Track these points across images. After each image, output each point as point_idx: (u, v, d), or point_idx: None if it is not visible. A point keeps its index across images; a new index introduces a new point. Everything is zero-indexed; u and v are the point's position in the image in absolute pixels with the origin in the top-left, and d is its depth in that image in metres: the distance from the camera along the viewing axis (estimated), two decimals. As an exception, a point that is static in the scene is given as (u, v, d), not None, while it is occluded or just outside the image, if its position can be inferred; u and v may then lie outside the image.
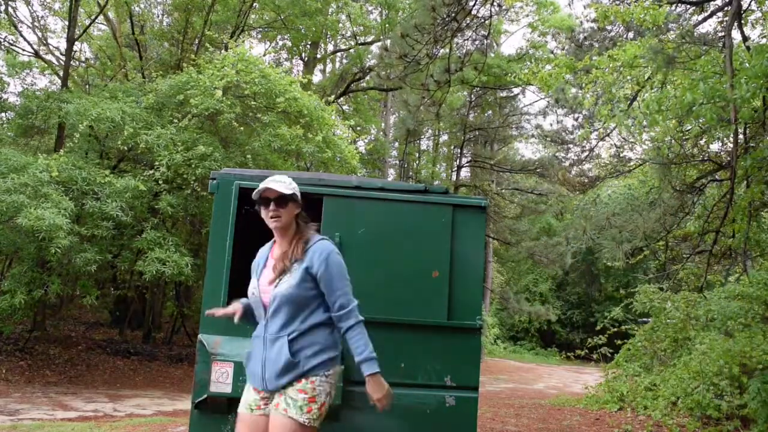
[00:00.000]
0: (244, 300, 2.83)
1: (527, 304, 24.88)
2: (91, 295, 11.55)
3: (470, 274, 3.70)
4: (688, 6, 8.87)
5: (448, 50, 8.37)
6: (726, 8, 7.83)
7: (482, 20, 8.76)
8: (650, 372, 10.22)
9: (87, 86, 16.57)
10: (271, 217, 2.63)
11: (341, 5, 18.69)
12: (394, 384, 3.51)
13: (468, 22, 8.21)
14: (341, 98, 21.83)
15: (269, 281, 2.63)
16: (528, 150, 61.35)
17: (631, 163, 17.18)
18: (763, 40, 9.47)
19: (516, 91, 23.41)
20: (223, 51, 13.88)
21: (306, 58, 22.54)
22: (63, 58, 14.39)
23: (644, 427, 7.85)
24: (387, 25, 19.76)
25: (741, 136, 7.83)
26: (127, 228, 11.48)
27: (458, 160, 24.89)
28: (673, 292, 11.56)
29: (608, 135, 13.01)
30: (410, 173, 29.01)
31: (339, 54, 24.81)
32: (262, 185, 2.64)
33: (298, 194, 2.70)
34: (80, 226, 10.68)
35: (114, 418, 7.98)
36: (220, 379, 3.29)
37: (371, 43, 21.49)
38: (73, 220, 10.36)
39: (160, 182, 10.94)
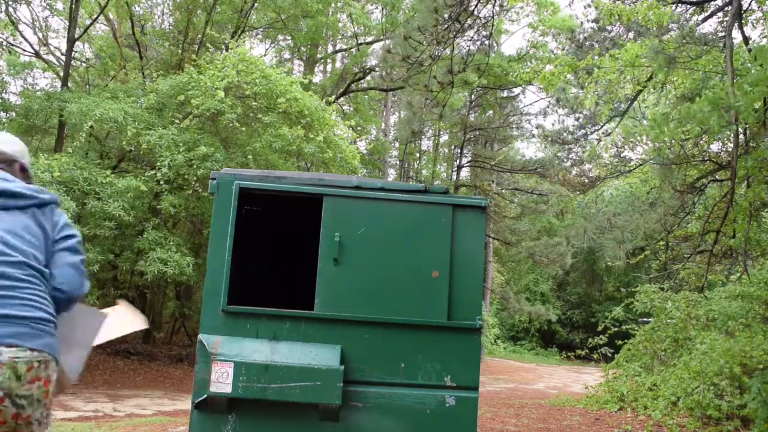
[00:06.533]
0: None
1: (527, 304, 24.88)
2: (92, 295, 11.55)
3: (470, 274, 3.70)
4: (689, 6, 8.87)
5: (450, 51, 8.38)
6: (726, 8, 7.83)
7: (484, 21, 8.77)
8: (650, 372, 10.21)
9: (87, 86, 16.58)
10: None
11: (342, 5, 18.70)
12: (394, 384, 3.53)
13: (470, 23, 8.22)
14: (341, 98, 21.84)
15: None
16: (529, 150, 61.37)
17: (632, 163, 17.19)
18: (764, 41, 9.47)
19: (516, 91, 23.44)
20: (223, 51, 13.89)
21: (307, 58, 22.56)
22: (63, 58, 14.41)
23: (644, 427, 7.85)
24: (388, 25, 19.77)
25: (741, 137, 7.84)
26: (129, 228, 11.49)
27: (459, 160, 24.90)
28: (673, 291, 11.55)
29: (608, 135, 13.02)
30: (411, 173, 29.03)
31: (339, 54, 24.83)
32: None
33: None
34: (82, 226, 10.70)
35: (114, 418, 7.98)
36: (220, 379, 3.30)
37: (372, 42, 21.51)
38: (75, 220, 10.37)
39: (161, 182, 10.95)
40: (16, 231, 1.98)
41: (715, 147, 11.76)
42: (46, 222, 2.09)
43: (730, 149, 9.51)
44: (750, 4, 8.33)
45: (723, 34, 7.62)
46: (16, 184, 2.09)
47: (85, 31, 15.37)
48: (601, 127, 12.26)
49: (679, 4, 8.58)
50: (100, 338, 2.41)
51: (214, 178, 3.71)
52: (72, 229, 2.18)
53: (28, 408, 1.83)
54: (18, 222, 2.01)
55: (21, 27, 15.59)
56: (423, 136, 28.19)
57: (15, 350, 1.80)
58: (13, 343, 1.81)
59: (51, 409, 1.97)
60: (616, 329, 11.35)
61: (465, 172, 26.49)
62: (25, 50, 15.75)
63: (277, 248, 5.33)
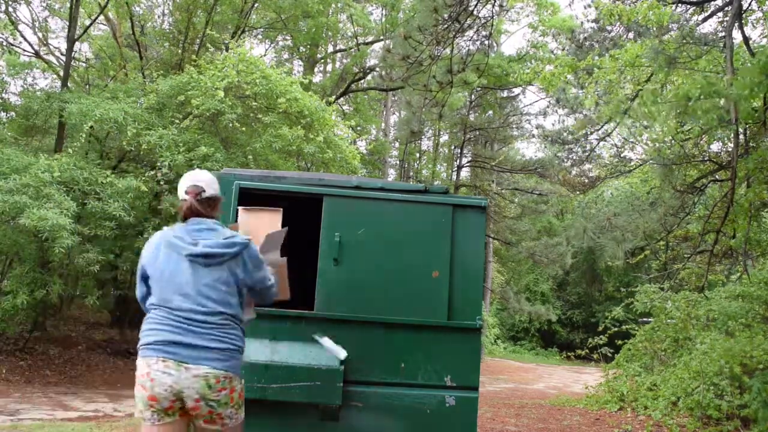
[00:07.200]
0: None
1: (527, 304, 24.86)
2: (92, 295, 11.56)
3: (470, 274, 3.70)
4: (689, 6, 8.87)
5: (450, 51, 8.38)
6: (726, 8, 7.83)
7: (484, 21, 8.77)
8: (650, 372, 10.21)
9: (87, 86, 16.57)
10: None
11: (342, 6, 18.70)
12: (394, 384, 3.53)
13: (470, 23, 8.21)
14: (341, 98, 21.84)
15: None
16: (529, 150, 61.42)
17: (632, 163, 17.21)
18: (764, 41, 9.48)
19: (516, 91, 23.43)
20: (223, 51, 13.89)
21: (307, 58, 22.56)
22: (63, 58, 14.40)
23: (644, 427, 7.85)
24: (388, 25, 19.78)
25: (741, 137, 7.84)
26: (129, 228, 11.50)
27: (459, 160, 24.89)
28: (673, 291, 11.56)
29: (608, 135, 13.01)
30: (411, 173, 29.01)
31: (339, 54, 24.83)
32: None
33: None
34: (82, 226, 10.70)
35: (114, 418, 7.98)
36: (221, 379, 3.29)
37: (372, 43, 21.51)
38: (75, 220, 10.38)
39: (162, 183, 10.95)
40: (215, 285, 2.66)
41: (715, 147, 11.77)
42: (239, 269, 2.73)
43: (730, 149, 9.51)
44: (750, 4, 8.33)
45: (723, 34, 7.61)
46: (214, 244, 2.68)
47: (85, 31, 15.36)
48: (601, 127, 12.26)
49: (679, 4, 8.58)
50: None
51: (214, 178, 3.71)
52: (260, 270, 2.83)
53: (219, 408, 2.62)
54: (216, 276, 2.67)
55: (21, 27, 15.57)
56: (423, 136, 28.16)
57: (208, 368, 2.58)
58: (208, 365, 2.58)
59: (241, 408, 2.75)
60: (616, 329, 11.35)
61: (465, 172, 26.50)
62: (25, 50, 15.73)
63: (277, 248, 5.32)
